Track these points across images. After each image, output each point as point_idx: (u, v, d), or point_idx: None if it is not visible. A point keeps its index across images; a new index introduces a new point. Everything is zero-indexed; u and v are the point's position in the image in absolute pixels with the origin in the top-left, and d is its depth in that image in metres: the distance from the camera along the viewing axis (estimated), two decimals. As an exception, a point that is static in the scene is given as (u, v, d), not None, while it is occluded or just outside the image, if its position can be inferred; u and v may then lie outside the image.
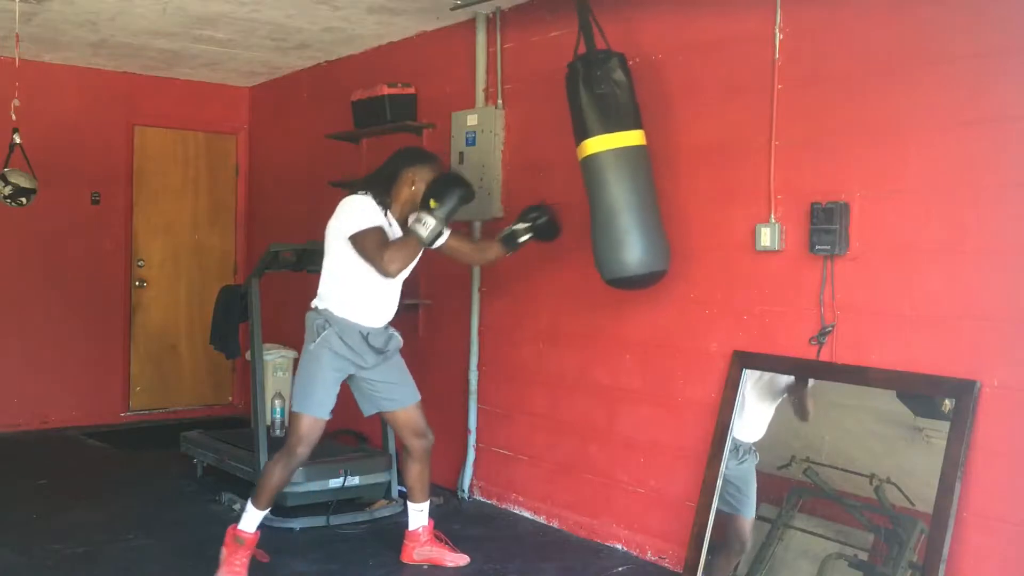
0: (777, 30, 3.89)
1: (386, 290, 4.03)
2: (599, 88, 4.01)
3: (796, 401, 3.86)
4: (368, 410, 4.24)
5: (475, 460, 5.38)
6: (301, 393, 3.99)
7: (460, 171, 4.15)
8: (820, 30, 3.78)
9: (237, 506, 5.03)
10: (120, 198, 7.38)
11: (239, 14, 5.48)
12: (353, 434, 5.83)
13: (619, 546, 4.54)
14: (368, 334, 3.99)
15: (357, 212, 3.91)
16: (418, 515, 4.32)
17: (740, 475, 3.97)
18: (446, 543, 4.35)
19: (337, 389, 4.02)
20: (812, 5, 3.80)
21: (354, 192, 4.00)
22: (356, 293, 3.96)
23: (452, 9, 5.10)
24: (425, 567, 4.28)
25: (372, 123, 5.99)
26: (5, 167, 5.52)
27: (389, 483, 5.19)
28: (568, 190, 4.73)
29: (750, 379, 4.00)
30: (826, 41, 3.76)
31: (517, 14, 5.13)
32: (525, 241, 4.33)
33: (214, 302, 5.71)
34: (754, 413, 3.99)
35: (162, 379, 7.64)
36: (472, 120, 5.32)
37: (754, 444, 3.95)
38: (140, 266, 7.53)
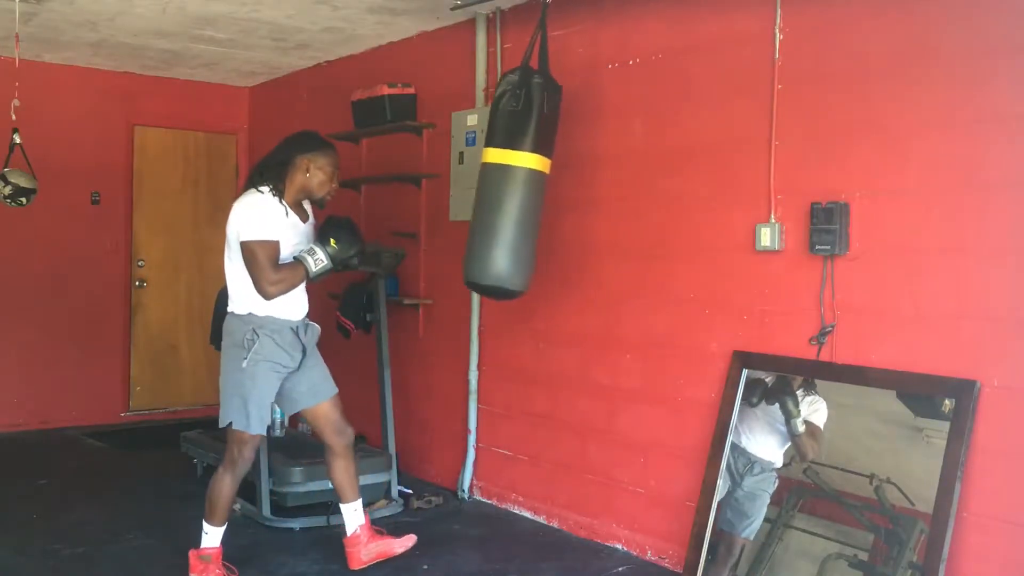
0: (777, 30, 3.89)
1: None
2: (512, 105, 4.07)
3: (793, 444, 3.82)
4: (289, 409, 4.14)
5: (475, 460, 5.38)
6: (238, 411, 3.85)
7: (357, 230, 4.11)
8: (820, 30, 3.78)
9: (237, 506, 5.03)
10: (120, 198, 7.38)
11: (239, 14, 5.48)
12: (353, 434, 5.83)
13: (619, 546, 4.54)
14: (297, 328, 3.94)
15: (258, 218, 3.79)
16: (354, 515, 4.17)
17: (750, 491, 3.92)
18: (385, 533, 4.25)
19: (273, 398, 3.95)
20: (812, 5, 3.80)
21: (252, 185, 3.90)
22: None
23: (452, 9, 5.09)
24: (419, 563, 4.28)
25: (372, 123, 5.99)
26: (5, 167, 5.51)
27: (389, 483, 5.19)
28: (567, 191, 4.73)
29: (761, 407, 3.96)
30: (826, 41, 3.76)
31: (517, 14, 5.13)
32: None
33: (214, 302, 5.71)
34: (770, 435, 3.94)
35: (162, 379, 7.64)
36: (472, 120, 5.32)
37: (774, 466, 3.88)
38: (140, 266, 7.53)
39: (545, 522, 4.94)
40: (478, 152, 5.25)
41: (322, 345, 4.22)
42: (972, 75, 3.32)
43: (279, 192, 3.88)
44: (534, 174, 4.10)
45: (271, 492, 4.86)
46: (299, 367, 3.98)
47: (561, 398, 4.90)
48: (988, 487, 3.24)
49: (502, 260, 4.08)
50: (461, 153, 5.39)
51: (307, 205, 4.08)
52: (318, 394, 4.07)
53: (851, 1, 3.70)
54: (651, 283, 4.44)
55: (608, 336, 4.64)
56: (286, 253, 3.88)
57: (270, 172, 3.91)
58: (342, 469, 4.14)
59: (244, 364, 3.82)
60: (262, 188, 3.87)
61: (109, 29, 5.93)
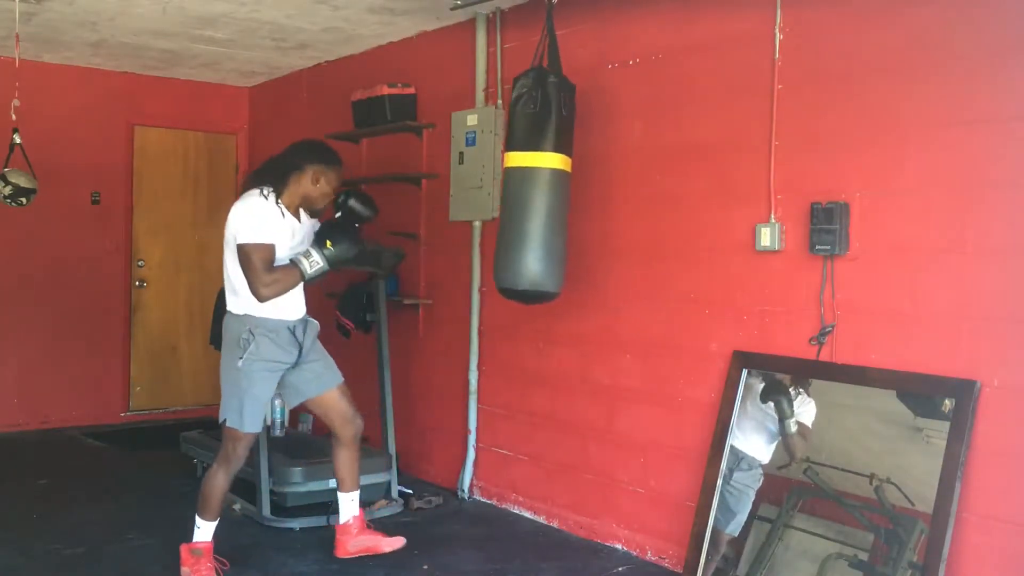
0: (777, 30, 3.89)
1: None
2: (530, 107, 4.07)
3: (784, 444, 3.85)
4: (293, 401, 4.20)
5: (475, 460, 5.38)
6: (233, 409, 3.91)
7: (354, 231, 4.12)
8: (820, 30, 3.78)
9: (237, 506, 5.04)
10: (120, 198, 7.39)
11: (239, 14, 5.48)
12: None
13: (619, 546, 4.54)
14: (294, 328, 3.98)
15: (253, 221, 3.81)
16: (349, 505, 4.26)
17: (737, 487, 3.94)
18: (376, 530, 4.31)
19: (269, 397, 4.04)
20: (812, 5, 3.80)
21: (252, 185, 3.94)
22: None
23: (452, 9, 5.09)
24: (419, 563, 4.28)
25: (372, 123, 5.99)
26: (5, 167, 5.51)
27: (389, 483, 5.19)
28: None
29: (750, 401, 3.97)
30: (826, 41, 3.76)
31: (517, 14, 5.13)
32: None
33: (214, 302, 5.71)
34: (759, 433, 3.95)
35: (162, 379, 7.65)
36: (472, 120, 5.32)
37: (760, 464, 3.90)
38: (140, 266, 7.53)
39: (545, 522, 4.94)
40: (478, 152, 5.27)
41: (323, 344, 4.24)
42: (972, 75, 3.32)
43: (278, 194, 3.91)
44: (558, 174, 4.11)
45: (271, 492, 4.86)
46: (299, 361, 4.03)
47: (561, 398, 4.90)
48: (988, 487, 3.24)
49: (535, 263, 4.08)
50: (461, 153, 5.39)
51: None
52: (322, 383, 4.13)
53: (851, 1, 3.70)
54: (651, 283, 4.44)
55: (608, 336, 4.64)
56: (283, 254, 3.91)
57: (275, 173, 3.94)
58: (345, 459, 4.22)
59: (240, 364, 3.88)
60: (261, 190, 3.90)
61: (109, 29, 5.93)
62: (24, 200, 5.61)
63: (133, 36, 6.10)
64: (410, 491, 5.29)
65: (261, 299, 3.83)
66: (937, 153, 3.41)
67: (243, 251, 3.80)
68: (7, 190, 5.52)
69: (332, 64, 6.70)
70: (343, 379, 4.21)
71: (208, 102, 7.69)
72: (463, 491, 5.36)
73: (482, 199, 5.26)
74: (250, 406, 3.92)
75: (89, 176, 7.19)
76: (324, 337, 4.26)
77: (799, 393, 3.79)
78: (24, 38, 5.94)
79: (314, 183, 3.96)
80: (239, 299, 3.92)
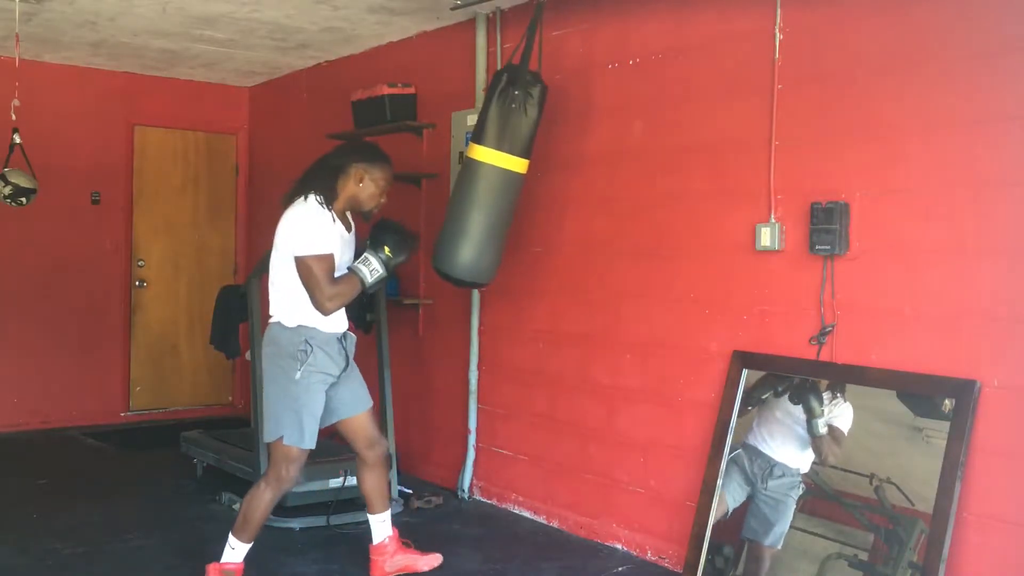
0: (777, 30, 3.89)
1: None
2: (512, 104, 4.17)
3: (813, 445, 3.75)
4: (327, 420, 3.91)
5: (475, 460, 5.38)
6: (292, 425, 3.72)
7: (405, 225, 4.05)
8: (820, 30, 3.78)
9: (237, 506, 5.03)
10: (120, 198, 7.39)
11: (239, 14, 5.48)
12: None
13: (619, 546, 4.54)
14: (342, 338, 3.86)
15: (310, 231, 3.67)
16: (381, 526, 4.09)
17: (773, 496, 3.81)
18: (413, 547, 4.19)
19: (321, 411, 3.81)
20: (812, 5, 3.80)
21: (302, 191, 3.78)
22: None
23: (452, 9, 5.09)
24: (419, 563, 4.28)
25: (372, 123, 5.99)
26: (5, 167, 5.52)
27: (389, 483, 5.17)
28: (567, 190, 4.74)
29: (779, 408, 3.87)
30: (826, 41, 3.76)
31: (517, 14, 5.13)
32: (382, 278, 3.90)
33: (214, 302, 5.72)
34: (789, 440, 3.84)
35: (162, 379, 7.65)
36: (472, 120, 5.29)
37: (797, 471, 3.78)
38: (140, 266, 7.53)
39: (545, 522, 4.94)
40: (478, 152, 5.27)
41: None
42: (972, 75, 3.32)
43: (328, 199, 3.75)
44: (512, 176, 4.25)
45: (271, 492, 4.85)
46: (340, 377, 3.87)
47: (561, 398, 4.90)
48: (988, 487, 3.25)
49: (475, 257, 4.31)
50: (461, 153, 5.38)
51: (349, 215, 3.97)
52: (357, 405, 3.96)
53: (851, 1, 3.70)
54: (651, 283, 4.44)
55: (608, 336, 4.64)
56: (337, 263, 3.78)
57: (322, 177, 3.78)
58: (373, 480, 4.05)
59: (298, 376, 3.70)
60: (311, 197, 3.74)
61: (109, 29, 5.93)
62: (24, 200, 5.62)
63: (133, 36, 6.10)
64: (410, 491, 5.29)
65: (326, 312, 3.69)
66: (937, 153, 3.41)
67: (303, 264, 3.65)
68: (7, 190, 5.52)
69: (332, 64, 6.70)
70: (371, 403, 4.06)
71: (208, 102, 7.68)
72: (463, 491, 5.36)
73: (482, 199, 5.26)
74: (309, 420, 3.75)
75: (89, 176, 7.19)
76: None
77: (835, 397, 3.70)
78: (24, 38, 5.94)
79: (358, 183, 3.78)
80: (290, 310, 3.73)
